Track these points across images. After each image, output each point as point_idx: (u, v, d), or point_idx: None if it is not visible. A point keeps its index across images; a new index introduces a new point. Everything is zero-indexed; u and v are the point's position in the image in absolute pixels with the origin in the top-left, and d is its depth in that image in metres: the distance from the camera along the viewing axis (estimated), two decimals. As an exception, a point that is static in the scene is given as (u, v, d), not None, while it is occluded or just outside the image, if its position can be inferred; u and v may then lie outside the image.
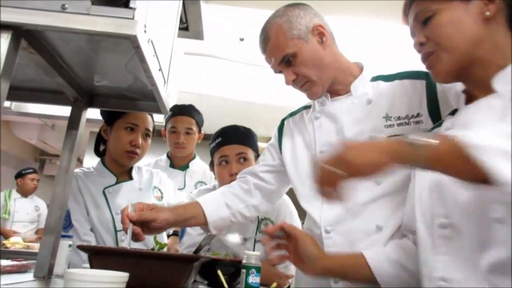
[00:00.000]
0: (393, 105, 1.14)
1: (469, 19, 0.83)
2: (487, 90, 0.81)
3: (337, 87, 1.23)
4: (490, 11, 0.82)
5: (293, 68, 1.18)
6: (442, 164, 0.68)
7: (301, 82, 1.20)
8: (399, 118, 1.12)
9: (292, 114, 1.40)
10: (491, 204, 0.72)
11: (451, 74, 0.87)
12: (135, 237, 1.12)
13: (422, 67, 0.96)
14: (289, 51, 1.16)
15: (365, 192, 1.09)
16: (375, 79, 1.21)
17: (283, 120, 1.43)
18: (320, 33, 1.18)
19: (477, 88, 0.86)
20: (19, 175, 4.59)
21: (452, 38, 0.84)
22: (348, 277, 1.04)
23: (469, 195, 0.76)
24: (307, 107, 1.34)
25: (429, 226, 0.85)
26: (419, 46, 0.90)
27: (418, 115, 1.10)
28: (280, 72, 1.23)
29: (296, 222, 1.67)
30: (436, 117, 1.08)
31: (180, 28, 1.58)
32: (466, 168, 0.64)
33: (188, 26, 1.68)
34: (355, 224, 1.10)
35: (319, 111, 1.25)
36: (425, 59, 0.90)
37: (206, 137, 2.09)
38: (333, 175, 0.73)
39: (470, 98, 0.89)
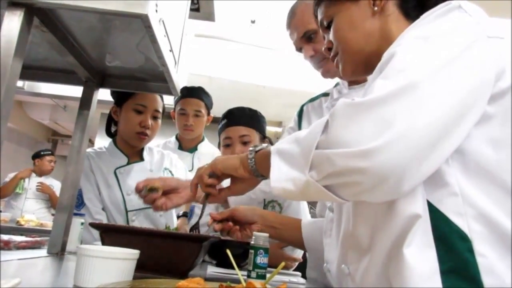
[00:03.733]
0: None
1: (359, 17, 0.86)
2: None
3: (368, 74, 1.24)
4: (377, 6, 0.85)
5: (313, 45, 1.23)
6: (260, 166, 0.85)
7: (319, 58, 1.26)
8: None
9: (312, 100, 1.43)
10: None
11: (355, 72, 0.91)
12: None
13: None
14: (310, 27, 1.21)
15: None
16: None
17: (302, 106, 1.46)
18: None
19: None
20: (37, 156, 4.67)
21: (346, 39, 0.88)
22: (282, 235, 1.20)
23: None
24: (326, 95, 1.37)
25: (323, 209, 0.94)
26: (328, 51, 0.94)
27: None
28: (300, 50, 1.29)
29: (302, 204, 1.67)
30: None
31: (191, 9, 1.57)
32: (269, 167, 0.74)
33: (199, 7, 1.66)
34: None
35: (336, 99, 1.27)
36: (333, 61, 0.94)
37: (215, 120, 2.10)
38: (203, 178, 0.99)
39: None
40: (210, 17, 1.73)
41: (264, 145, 0.88)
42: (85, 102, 1.34)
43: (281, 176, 0.70)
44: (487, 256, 0.59)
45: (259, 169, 0.86)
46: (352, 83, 1.25)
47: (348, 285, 0.77)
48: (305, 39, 1.24)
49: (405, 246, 0.61)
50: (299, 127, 1.41)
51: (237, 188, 0.99)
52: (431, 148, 0.59)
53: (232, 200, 1.50)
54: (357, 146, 0.59)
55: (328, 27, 0.92)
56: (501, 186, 0.61)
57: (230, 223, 1.16)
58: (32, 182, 4.56)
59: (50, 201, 4.50)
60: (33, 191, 4.47)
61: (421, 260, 0.60)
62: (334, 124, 0.63)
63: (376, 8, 0.85)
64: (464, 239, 0.60)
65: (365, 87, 0.81)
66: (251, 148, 0.89)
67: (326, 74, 1.27)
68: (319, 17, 0.95)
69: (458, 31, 0.65)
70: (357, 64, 0.89)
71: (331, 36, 0.92)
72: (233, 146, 1.60)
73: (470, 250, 0.59)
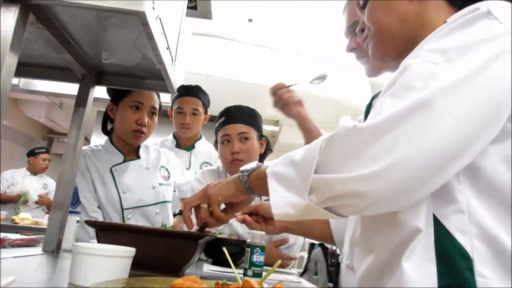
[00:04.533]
0: None
1: None
2: None
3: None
4: None
5: (357, 39, 1.20)
6: (257, 187, 0.82)
7: (359, 54, 1.23)
8: None
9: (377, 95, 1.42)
10: None
11: (384, 57, 0.85)
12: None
13: None
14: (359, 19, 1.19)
15: None
16: None
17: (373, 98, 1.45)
18: None
19: None
20: (32, 154, 4.64)
21: (379, 21, 0.82)
22: (309, 230, 1.18)
23: None
24: None
25: None
26: (361, 32, 0.89)
27: None
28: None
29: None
30: None
31: (188, 7, 1.57)
32: (266, 189, 0.72)
33: (197, 5, 1.66)
34: None
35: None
36: (363, 43, 0.89)
37: (212, 118, 2.09)
38: (200, 208, 0.94)
39: None
40: (207, 15, 1.72)
41: (253, 165, 0.86)
42: (81, 99, 1.33)
43: (281, 201, 0.69)
44: (486, 277, 0.58)
45: (256, 190, 0.84)
46: None
47: (349, 280, 0.78)
48: (352, 30, 1.23)
49: (404, 258, 0.61)
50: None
51: (237, 209, 0.98)
52: (436, 171, 0.57)
53: None
54: (357, 171, 0.58)
55: (363, 7, 0.87)
56: (509, 207, 0.59)
57: (253, 217, 1.16)
58: (27, 181, 4.54)
59: (48, 208, 4.43)
60: (28, 191, 4.45)
61: (420, 275, 0.60)
62: (335, 149, 0.62)
63: None
64: (465, 257, 0.59)
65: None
66: (242, 169, 0.86)
67: (369, 74, 1.26)
68: None
69: (482, 44, 0.60)
70: (387, 49, 0.83)
71: (364, 17, 0.86)
72: (232, 143, 1.60)
73: (470, 269, 0.58)
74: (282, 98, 1.46)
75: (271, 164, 0.75)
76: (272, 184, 0.71)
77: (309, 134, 1.46)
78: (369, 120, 0.61)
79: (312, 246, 7.05)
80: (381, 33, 0.82)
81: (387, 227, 0.66)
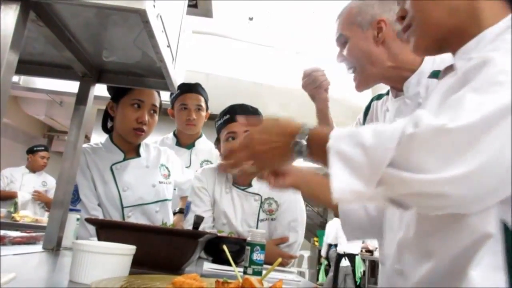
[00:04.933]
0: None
1: None
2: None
3: (392, 84, 1.25)
4: None
5: (345, 50, 1.24)
6: (312, 150, 0.73)
7: (347, 66, 1.26)
8: None
9: (379, 97, 1.42)
10: None
11: (428, 49, 0.82)
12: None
13: None
14: (344, 32, 1.23)
15: None
16: (434, 74, 1.16)
17: (370, 102, 1.47)
18: (379, 27, 1.19)
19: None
20: (30, 151, 4.64)
21: (427, 10, 0.78)
22: (315, 196, 1.08)
23: None
24: (388, 93, 1.35)
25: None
26: (401, 19, 0.85)
27: None
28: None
29: (299, 202, 1.67)
30: None
31: (189, 5, 1.56)
32: (325, 160, 0.67)
33: (197, 3, 1.66)
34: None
35: (388, 105, 1.31)
36: (404, 33, 0.85)
37: (212, 117, 2.09)
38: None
39: None
40: (208, 13, 1.72)
41: (306, 127, 0.75)
42: (81, 97, 1.33)
43: (345, 187, 0.63)
44: None
45: (313, 158, 0.74)
46: (399, 90, 1.24)
47: (398, 285, 0.75)
48: (340, 43, 1.27)
49: (472, 267, 0.59)
50: (364, 123, 1.44)
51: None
52: None
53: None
54: (443, 172, 0.55)
55: None
56: None
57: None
58: (25, 178, 4.54)
59: (48, 206, 4.43)
60: (26, 188, 4.44)
61: (489, 284, 0.57)
62: (416, 147, 0.58)
63: None
64: None
65: (438, 86, 0.75)
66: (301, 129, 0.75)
67: (356, 88, 1.29)
68: None
69: None
70: (433, 40, 0.79)
71: (407, 3, 0.82)
72: (237, 140, 1.60)
73: None
74: (317, 80, 1.45)
75: (333, 137, 0.67)
76: (335, 164, 0.65)
77: (326, 120, 1.47)
78: (458, 120, 0.56)
79: (329, 246, 7.01)
80: (428, 23, 0.78)
81: (450, 231, 0.62)
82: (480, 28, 0.73)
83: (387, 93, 1.35)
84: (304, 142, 0.74)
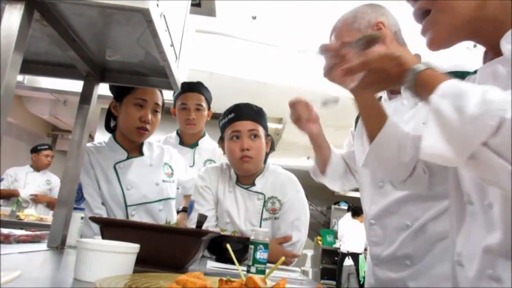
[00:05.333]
0: None
1: None
2: (500, 52, 0.71)
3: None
4: None
5: None
6: (417, 92, 0.71)
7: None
8: None
9: None
10: (487, 189, 0.72)
11: (449, 40, 0.77)
12: None
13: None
14: (345, 40, 1.23)
15: (401, 191, 1.20)
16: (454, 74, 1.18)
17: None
18: (378, 29, 1.23)
19: (491, 49, 0.77)
20: (34, 150, 4.67)
21: (453, 4, 0.72)
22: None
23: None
24: (379, 98, 1.40)
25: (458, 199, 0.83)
26: (414, 1, 0.79)
27: None
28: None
29: (302, 201, 1.67)
30: None
31: (192, 4, 1.57)
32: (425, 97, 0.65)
33: (201, 2, 1.66)
34: (390, 221, 1.24)
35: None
36: (419, 19, 0.78)
37: (215, 115, 2.09)
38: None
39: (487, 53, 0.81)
40: (211, 12, 1.72)
41: (421, 67, 0.71)
42: (85, 96, 1.34)
43: (435, 149, 0.61)
44: None
45: (416, 94, 0.72)
46: (395, 92, 1.30)
47: None
48: None
49: None
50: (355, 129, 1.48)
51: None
52: None
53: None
54: None
55: None
56: None
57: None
58: (29, 177, 4.56)
59: (50, 206, 4.41)
60: (31, 186, 4.47)
61: None
62: None
63: None
64: None
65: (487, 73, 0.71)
66: (413, 67, 0.71)
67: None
68: None
69: None
70: (456, 30, 0.74)
71: None
72: (241, 139, 1.60)
73: None
74: (297, 113, 1.46)
75: (438, 92, 0.64)
76: (432, 122, 0.62)
77: (319, 149, 1.48)
78: None
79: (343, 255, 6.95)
80: (451, 11, 0.73)
81: None
82: None
83: (378, 99, 1.40)
84: (412, 81, 0.71)
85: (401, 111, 1.24)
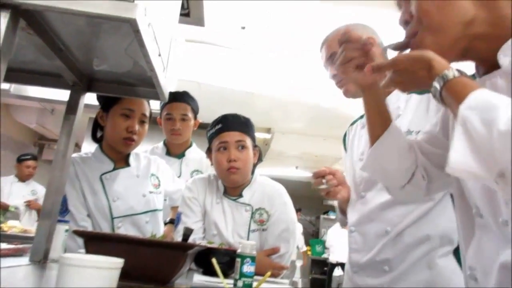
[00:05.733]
0: (416, 119, 1.23)
1: None
2: (494, 65, 0.71)
3: None
4: None
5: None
6: (444, 101, 0.68)
7: (340, 78, 1.36)
8: (419, 132, 1.20)
9: (352, 124, 1.54)
10: (498, 204, 0.70)
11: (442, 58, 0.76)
12: None
13: None
14: (336, 50, 1.28)
15: (382, 198, 1.23)
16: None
17: (346, 131, 1.56)
18: (370, 43, 1.27)
19: (484, 63, 0.77)
20: (18, 160, 4.62)
21: (438, 17, 0.72)
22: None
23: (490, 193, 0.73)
24: (362, 116, 1.46)
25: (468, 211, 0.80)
26: (404, 25, 0.80)
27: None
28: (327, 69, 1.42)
29: (290, 212, 1.66)
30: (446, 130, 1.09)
31: (181, 14, 1.57)
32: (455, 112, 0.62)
33: (190, 12, 1.66)
34: (370, 227, 1.26)
35: (364, 121, 1.38)
36: (408, 40, 0.79)
37: (203, 126, 2.08)
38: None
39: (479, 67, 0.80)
40: (200, 22, 1.73)
41: (450, 74, 0.67)
42: (71, 106, 1.32)
43: (462, 164, 0.59)
44: None
45: (443, 102, 0.68)
46: None
47: None
48: (331, 61, 1.36)
49: None
50: (345, 150, 1.51)
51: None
52: None
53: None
54: None
55: None
56: None
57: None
58: (14, 187, 4.49)
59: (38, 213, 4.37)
60: (15, 197, 4.39)
61: None
62: None
63: None
64: None
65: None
66: (443, 74, 0.67)
67: (347, 94, 1.38)
68: None
69: None
70: (443, 50, 0.72)
71: (412, 6, 0.76)
72: (229, 150, 1.59)
73: None
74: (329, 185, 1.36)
75: (467, 102, 0.60)
76: (459, 135, 0.60)
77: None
78: None
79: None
80: (439, 31, 0.72)
81: None
82: (506, 23, 0.69)
83: (361, 117, 1.46)
84: (439, 88, 0.67)
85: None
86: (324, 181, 1.32)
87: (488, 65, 0.74)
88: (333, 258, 6.88)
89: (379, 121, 0.99)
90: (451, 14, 0.72)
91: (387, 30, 1.32)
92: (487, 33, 0.72)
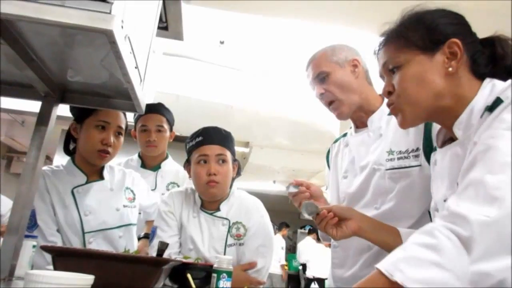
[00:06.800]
0: (397, 140, 1.29)
1: (432, 74, 0.87)
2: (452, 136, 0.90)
3: (361, 115, 1.39)
4: (452, 67, 0.86)
5: (324, 85, 1.37)
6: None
7: (328, 98, 1.37)
8: (400, 152, 1.27)
9: (335, 141, 1.59)
10: None
11: (414, 123, 0.94)
12: None
13: None
14: (324, 69, 1.37)
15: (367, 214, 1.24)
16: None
17: (329, 149, 1.61)
18: (354, 65, 1.38)
19: (446, 128, 0.93)
20: None
21: (415, 93, 0.88)
22: (379, 237, 1.12)
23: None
24: (345, 135, 1.52)
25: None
26: (388, 94, 0.95)
27: (417, 149, 1.24)
28: (313, 89, 1.43)
29: (267, 226, 1.65)
30: (428, 151, 1.19)
31: (159, 27, 1.56)
32: None
33: (168, 25, 1.65)
34: (353, 243, 1.25)
35: (347, 140, 1.47)
36: (389, 106, 0.95)
37: (181, 138, 2.06)
38: None
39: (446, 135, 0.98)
40: (178, 36, 1.72)
41: None
42: (43, 117, 1.28)
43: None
44: None
45: None
46: (360, 124, 1.41)
47: None
48: (318, 80, 1.38)
49: None
50: (329, 167, 1.56)
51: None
52: None
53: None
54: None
55: (392, 71, 0.93)
56: None
57: (331, 214, 1.13)
58: None
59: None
60: None
61: None
62: (481, 249, 0.64)
63: (450, 69, 0.85)
64: None
65: (445, 155, 0.90)
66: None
67: (340, 116, 1.40)
68: (383, 59, 0.95)
69: None
70: (419, 118, 0.91)
71: (394, 82, 0.91)
72: (209, 163, 1.57)
73: None
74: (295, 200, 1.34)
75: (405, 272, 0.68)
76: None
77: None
78: (496, 215, 0.65)
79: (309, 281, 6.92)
80: (415, 104, 0.88)
81: None
82: (463, 102, 0.85)
83: (344, 135, 1.52)
84: None
85: (367, 142, 1.36)
86: (296, 187, 1.33)
87: (450, 130, 0.90)
88: (309, 273, 6.87)
89: (387, 238, 1.11)
90: (426, 89, 0.87)
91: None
92: (450, 106, 0.87)
